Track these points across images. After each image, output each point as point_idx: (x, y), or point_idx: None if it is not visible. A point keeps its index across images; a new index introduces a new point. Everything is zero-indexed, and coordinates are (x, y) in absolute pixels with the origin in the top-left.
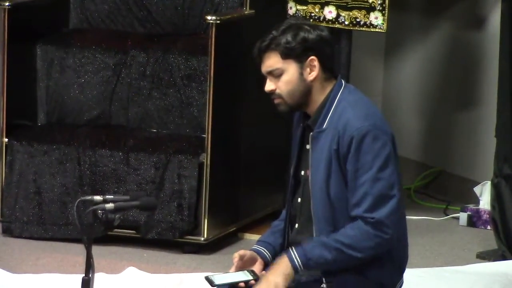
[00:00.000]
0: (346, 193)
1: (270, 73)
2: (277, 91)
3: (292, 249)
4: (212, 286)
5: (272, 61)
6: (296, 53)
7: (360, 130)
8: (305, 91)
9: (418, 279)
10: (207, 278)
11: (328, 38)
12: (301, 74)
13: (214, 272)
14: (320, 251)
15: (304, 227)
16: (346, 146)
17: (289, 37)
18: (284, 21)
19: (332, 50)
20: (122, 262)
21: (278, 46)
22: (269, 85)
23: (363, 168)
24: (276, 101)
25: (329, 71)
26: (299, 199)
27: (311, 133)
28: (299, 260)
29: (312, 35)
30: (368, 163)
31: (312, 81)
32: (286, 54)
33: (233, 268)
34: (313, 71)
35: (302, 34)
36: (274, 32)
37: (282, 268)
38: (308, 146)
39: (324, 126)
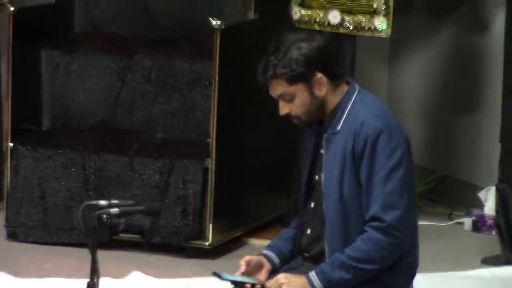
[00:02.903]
0: (359, 194)
1: (281, 97)
2: (293, 113)
3: (312, 273)
4: (220, 279)
5: (279, 88)
6: (302, 76)
7: (375, 129)
8: (320, 106)
9: (423, 285)
10: (214, 273)
11: (326, 46)
12: (312, 93)
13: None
14: (339, 273)
15: (316, 231)
16: (361, 145)
17: (290, 62)
18: (278, 41)
19: (333, 56)
20: (127, 266)
21: (282, 74)
22: (283, 109)
23: (377, 167)
24: (294, 121)
25: (336, 77)
26: (312, 204)
27: (325, 135)
28: (320, 285)
29: (310, 51)
30: (382, 162)
31: (324, 95)
32: (292, 80)
33: (238, 273)
34: (322, 86)
35: (301, 54)
36: (273, 59)
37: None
38: (322, 151)
39: (338, 128)
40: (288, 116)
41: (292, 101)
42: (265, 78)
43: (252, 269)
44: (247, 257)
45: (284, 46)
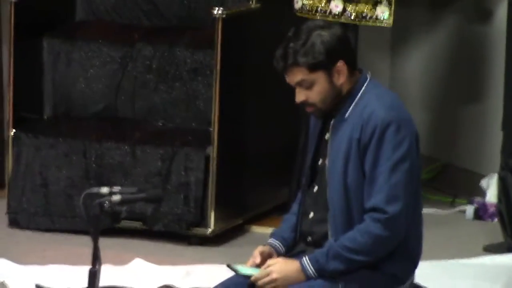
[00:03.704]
0: (363, 183)
1: (299, 84)
2: (310, 100)
3: (306, 261)
4: (234, 272)
5: (299, 76)
6: (323, 64)
7: (384, 120)
8: (337, 95)
9: (425, 272)
10: (229, 266)
11: (344, 35)
12: (331, 81)
13: (220, 265)
14: (333, 264)
15: (319, 215)
16: (369, 135)
17: (312, 49)
18: (298, 28)
19: (350, 44)
20: (128, 254)
21: (304, 62)
22: (299, 96)
23: (382, 158)
24: (309, 109)
25: (354, 66)
26: (316, 188)
27: (331, 121)
28: (314, 272)
29: (332, 39)
30: (388, 153)
31: (341, 84)
32: (313, 68)
33: (252, 264)
34: (341, 75)
35: (323, 42)
36: (294, 46)
37: (295, 277)
38: (327, 136)
39: (346, 115)
40: (304, 104)
41: (310, 89)
42: (285, 65)
43: (264, 260)
44: (260, 248)
45: (304, 32)
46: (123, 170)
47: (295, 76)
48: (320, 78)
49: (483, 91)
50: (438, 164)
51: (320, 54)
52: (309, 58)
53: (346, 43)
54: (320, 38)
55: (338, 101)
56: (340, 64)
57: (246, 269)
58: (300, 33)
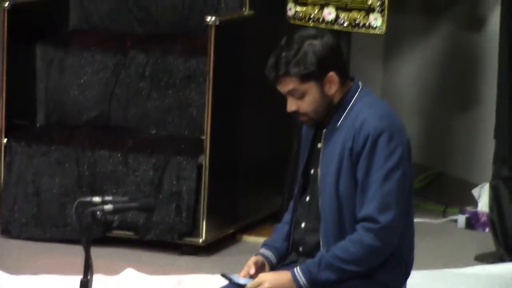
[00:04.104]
0: (355, 192)
1: (290, 93)
2: (301, 110)
3: (297, 271)
4: (229, 281)
5: (291, 85)
6: (315, 75)
7: (376, 129)
8: (328, 104)
9: (416, 281)
10: (223, 275)
11: (335, 44)
12: (323, 91)
13: (212, 274)
14: (325, 274)
15: (311, 225)
16: (361, 144)
17: (303, 60)
18: (290, 38)
19: (342, 53)
20: (120, 263)
21: (296, 72)
22: (291, 106)
23: (375, 167)
24: (302, 118)
25: (346, 75)
26: (308, 198)
27: (324, 130)
28: (305, 283)
29: (324, 49)
30: (380, 162)
31: (333, 93)
32: (305, 78)
33: (246, 274)
34: (333, 85)
35: (315, 52)
36: (285, 56)
37: (286, 287)
38: (319, 145)
39: (338, 124)
40: (295, 113)
41: (302, 98)
42: (277, 75)
43: (258, 270)
44: (254, 258)
45: (296, 42)
46: (115, 178)
47: (287, 86)
48: (311, 88)
49: (476, 100)
50: (431, 173)
51: (312, 65)
52: (301, 68)
53: (338, 53)
54: (312, 48)
55: (330, 110)
56: (332, 74)
57: (239, 279)
58: (292, 43)
